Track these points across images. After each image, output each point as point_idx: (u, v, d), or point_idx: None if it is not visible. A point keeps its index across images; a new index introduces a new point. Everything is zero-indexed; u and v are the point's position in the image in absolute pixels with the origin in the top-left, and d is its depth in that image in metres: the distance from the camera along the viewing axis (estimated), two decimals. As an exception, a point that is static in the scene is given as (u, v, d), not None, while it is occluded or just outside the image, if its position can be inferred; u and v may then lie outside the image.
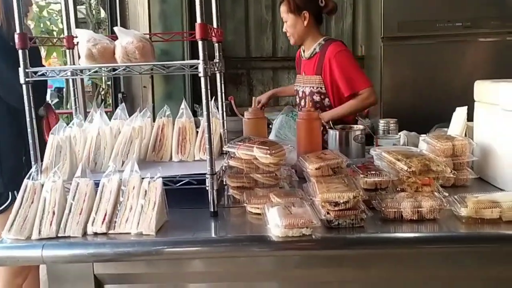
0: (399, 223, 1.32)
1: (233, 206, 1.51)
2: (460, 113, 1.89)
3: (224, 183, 1.53)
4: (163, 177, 1.40)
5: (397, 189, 1.45)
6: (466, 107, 1.86)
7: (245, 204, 1.42)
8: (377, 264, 1.31)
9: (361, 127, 2.06)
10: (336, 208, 1.28)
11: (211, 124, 1.39)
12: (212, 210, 1.43)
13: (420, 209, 1.31)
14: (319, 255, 1.28)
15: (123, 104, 1.87)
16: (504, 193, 1.39)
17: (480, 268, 1.30)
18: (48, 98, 2.92)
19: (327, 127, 2.10)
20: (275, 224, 1.24)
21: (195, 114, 3.04)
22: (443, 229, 1.29)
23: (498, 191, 1.52)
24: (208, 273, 1.35)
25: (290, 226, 1.23)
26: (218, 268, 1.33)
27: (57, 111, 2.51)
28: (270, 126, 2.92)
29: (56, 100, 7.08)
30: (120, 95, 3.32)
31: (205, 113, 1.38)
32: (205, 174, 1.42)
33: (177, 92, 3.58)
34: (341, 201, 1.27)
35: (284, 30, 2.56)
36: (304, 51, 2.63)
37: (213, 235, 1.35)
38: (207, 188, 1.42)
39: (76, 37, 1.65)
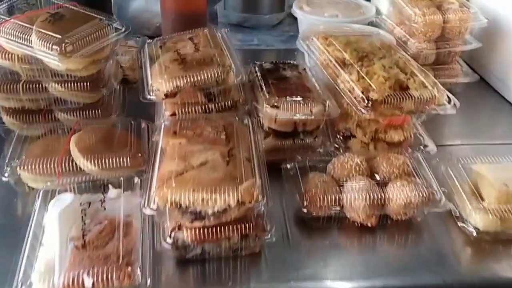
0: (343, 235, 0.61)
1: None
2: None
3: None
4: None
5: (337, 131, 0.71)
6: None
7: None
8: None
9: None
10: (198, 224, 0.54)
11: None
12: None
13: (389, 205, 0.60)
14: None
15: None
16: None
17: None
18: None
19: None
20: None
21: None
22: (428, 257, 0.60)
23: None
24: None
25: None
26: None
27: None
28: None
29: None
30: None
31: None
32: None
33: None
34: (210, 211, 0.53)
35: None
36: None
37: None
38: None
39: None
